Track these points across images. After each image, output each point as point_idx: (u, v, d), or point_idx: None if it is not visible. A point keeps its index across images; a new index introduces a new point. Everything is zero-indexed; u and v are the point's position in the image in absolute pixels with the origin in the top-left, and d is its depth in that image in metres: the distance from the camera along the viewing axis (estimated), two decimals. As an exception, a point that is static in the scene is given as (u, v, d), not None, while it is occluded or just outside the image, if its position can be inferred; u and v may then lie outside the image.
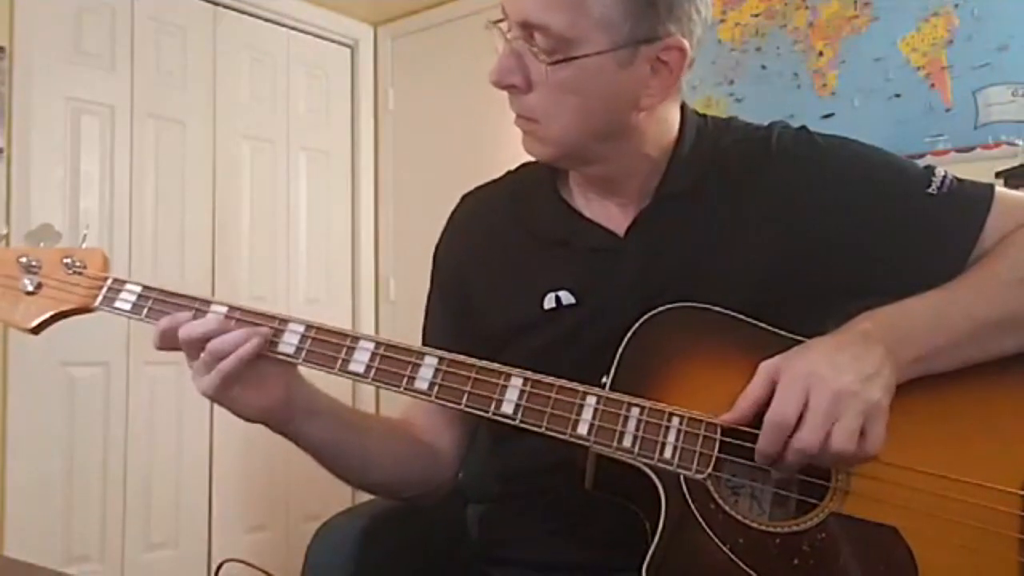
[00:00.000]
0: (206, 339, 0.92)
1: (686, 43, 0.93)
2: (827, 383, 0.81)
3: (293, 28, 3.64)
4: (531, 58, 0.93)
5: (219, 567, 1.16)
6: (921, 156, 2.43)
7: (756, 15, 2.85)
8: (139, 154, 3.11)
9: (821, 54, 2.72)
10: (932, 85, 2.52)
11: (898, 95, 2.58)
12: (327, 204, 3.74)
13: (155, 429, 3.08)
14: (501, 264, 1.08)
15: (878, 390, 0.82)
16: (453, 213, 1.18)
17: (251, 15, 3.49)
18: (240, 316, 0.95)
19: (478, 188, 1.18)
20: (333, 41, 3.80)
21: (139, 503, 3.03)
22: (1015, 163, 2.33)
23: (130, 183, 3.08)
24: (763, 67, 2.83)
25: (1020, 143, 2.38)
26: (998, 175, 2.32)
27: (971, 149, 2.45)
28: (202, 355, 0.92)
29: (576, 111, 0.94)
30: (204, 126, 3.31)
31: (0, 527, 2.72)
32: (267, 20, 3.55)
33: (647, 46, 0.92)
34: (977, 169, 2.26)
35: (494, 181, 1.17)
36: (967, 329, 0.89)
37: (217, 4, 3.38)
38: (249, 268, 3.43)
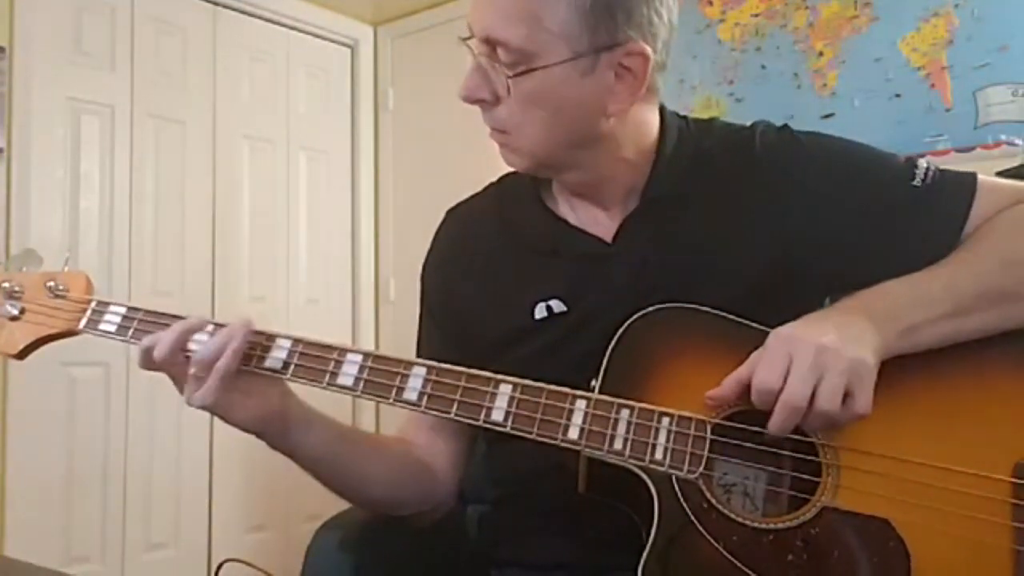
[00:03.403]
0: (184, 338, 0.93)
1: (648, 48, 0.93)
2: (809, 341, 0.82)
3: (293, 28, 3.65)
4: (496, 72, 0.94)
5: (219, 567, 1.16)
6: (921, 156, 2.42)
7: (756, 15, 2.85)
8: (139, 154, 3.11)
9: (821, 54, 2.72)
10: (932, 85, 2.52)
11: (898, 95, 2.58)
12: (327, 204, 3.74)
13: (155, 429, 3.08)
14: (490, 277, 1.08)
15: (862, 349, 0.83)
16: (438, 231, 1.18)
17: (251, 15, 3.49)
18: None
19: (462, 203, 1.18)
20: (333, 41, 3.81)
21: (139, 503, 3.04)
22: (1015, 163, 2.33)
23: (130, 183, 3.08)
24: (763, 67, 2.83)
25: (1020, 143, 2.38)
26: (998, 175, 2.31)
27: (971, 149, 2.45)
28: (191, 370, 0.92)
29: (543, 121, 0.95)
30: (204, 126, 3.32)
31: (0, 527, 2.72)
32: (267, 20, 3.55)
33: (608, 53, 0.92)
34: (977, 169, 2.24)
35: (477, 194, 1.18)
36: (949, 304, 0.89)
37: (217, 4, 3.38)
38: (249, 268, 3.42)
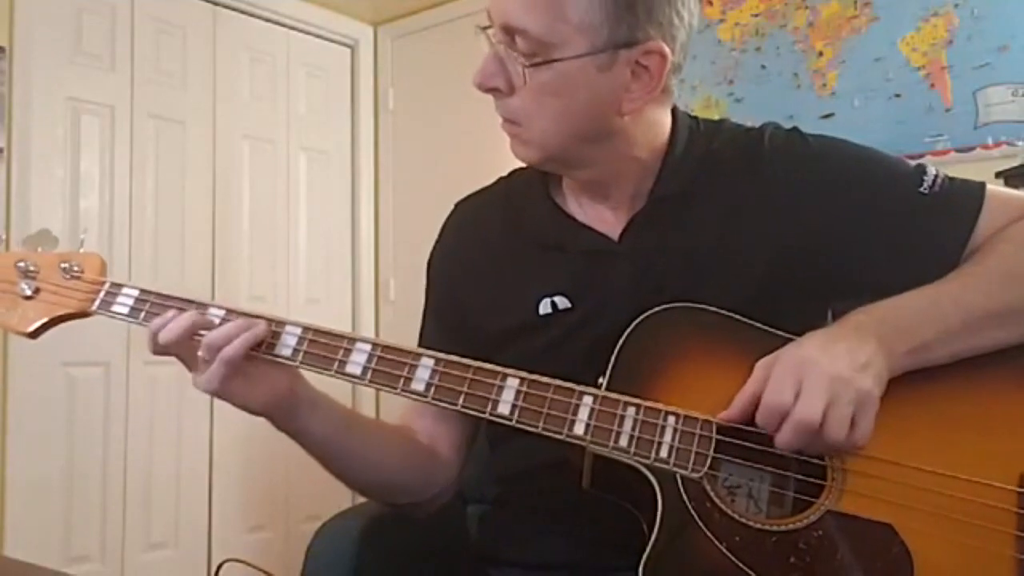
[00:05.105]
0: (194, 331, 0.92)
1: (667, 48, 0.93)
2: (821, 368, 0.82)
3: (293, 28, 3.65)
4: (512, 61, 0.94)
5: (219, 567, 1.16)
6: (921, 156, 2.43)
7: (756, 15, 2.85)
8: (139, 154, 3.12)
9: (821, 54, 2.72)
10: (932, 85, 2.52)
11: (898, 95, 2.58)
12: (327, 204, 3.74)
13: (155, 429, 3.08)
14: (496, 271, 1.08)
15: (870, 379, 0.83)
16: (446, 222, 1.18)
17: (251, 15, 3.49)
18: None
19: (470, 196, 1.18)
20: (333, 41, 3.81)
21: (139, 503, 3.04)
22: (1015, 163, 2.33)
23: (130, 183, 3.08)
24: (763, 67, 2.83)
25: (1020, 143, 2.38)
26: (998, 175, 2.32)
27: (971, 149, 2.45)
28: (200, 352, 0.92)
29: (557, 114, 0.95)
30: (204, 126, 3.32)
31: (0, 527, 2.72)
32: (267, 20, 3.55)
33: (626, 50, 0.92)
34: (977, 169, 2.26)
35: (486, 188, 1.17)
36: (959, 321, 0.89)
37: (217, 4, 3.38)
38: (249, 268, 3.43)
